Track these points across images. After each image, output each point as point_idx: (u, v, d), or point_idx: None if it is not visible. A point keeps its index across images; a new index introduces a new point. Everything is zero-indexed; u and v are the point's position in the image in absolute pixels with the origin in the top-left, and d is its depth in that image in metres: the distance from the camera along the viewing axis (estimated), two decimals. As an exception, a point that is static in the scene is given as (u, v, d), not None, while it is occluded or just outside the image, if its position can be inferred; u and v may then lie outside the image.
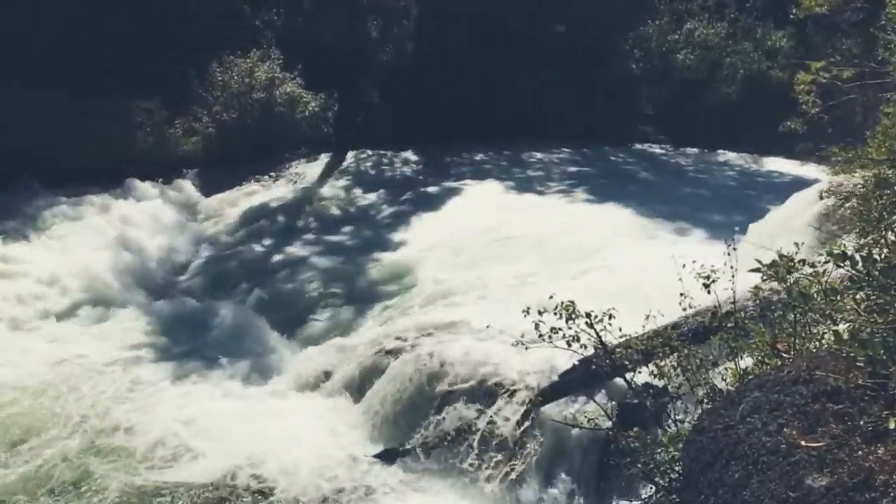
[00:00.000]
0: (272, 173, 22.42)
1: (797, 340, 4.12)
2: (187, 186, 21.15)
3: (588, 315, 5.24)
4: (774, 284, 4.20)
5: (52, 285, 14.82)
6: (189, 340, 13.19)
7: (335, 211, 19.61)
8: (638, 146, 26.31)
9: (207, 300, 14.77)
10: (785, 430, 2.82)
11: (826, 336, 4.01)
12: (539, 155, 24.34)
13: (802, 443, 2.70)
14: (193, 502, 9.20)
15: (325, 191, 21.05)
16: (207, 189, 21.23)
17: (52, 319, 13.94)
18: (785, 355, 3.98)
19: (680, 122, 26.67)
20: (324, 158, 23.68)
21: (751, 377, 3.79)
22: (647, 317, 5.63)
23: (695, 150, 25.79)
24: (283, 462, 9.72)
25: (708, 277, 4.85)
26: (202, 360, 12.47)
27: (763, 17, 29.39)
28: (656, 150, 26.24)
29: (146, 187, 20.28)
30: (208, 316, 13.93)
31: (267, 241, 17.61)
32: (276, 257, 16.67)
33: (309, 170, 22.84)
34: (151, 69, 21.91)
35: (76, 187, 19.26)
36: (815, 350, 3.88)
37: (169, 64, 22.42)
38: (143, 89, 22.06)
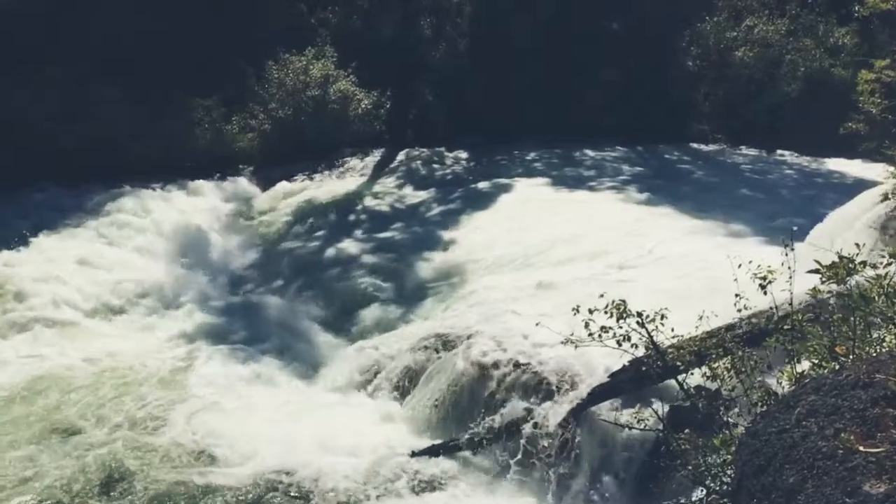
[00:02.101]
0: (325, 170, 22.72)
1: (857, 344, 4.01)
2: (243, 182, 21.59)
3: (639, 314, 5.18)
4: (834, 286, 4.10)
5: (106, 279, 15.08)
6: (238, 335, 13.36)
7: (386, 208, 19.76)
8: (693, 145, 25.87)
9: (259, 295, 15.00)
10: (842, 434, 2.75)
11: (887, 339, 3.91)
12: (591, 153, 24.13)
13: (860, 448, 2.63)
14: (227, 503, 9.06)
15: (377, 188, 21.23)
16: (262, 185, 21.63)
17: (105, 313, 14.15)
18: (843, 359, 3.88)
19: (737, 120, 26.14)
20: (376, 155, 23.88)
21: (807, 380, 3.71)
22: (701, 317, 5.54)
23: (752, 149, 25.24)
24: (328, 458, 9.75)
25: (764, 278, 4.75)
26: (250, 354, 12.58)
27: (825, 13, 28.60)
28: (712, 148, 25.76)
29: (203, 183, 20.75)
30: (259, 311, 14.15)
31: (318, 237, 17.84)
32: (327, 253, 16.87)
33: (361, 166, 23.06)
34: (210, 67, 22.42)
35: (135, 182, 19.81)
36: (875, 354, 3.77)
37: (227, 62, 22.89)
38: (202, 87, 22.60)
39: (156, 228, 17.70)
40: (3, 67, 20.27)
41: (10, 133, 19.78)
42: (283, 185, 21.46)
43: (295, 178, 21.97)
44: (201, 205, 19.46)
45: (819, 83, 26.17)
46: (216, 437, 10.25)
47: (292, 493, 9.23)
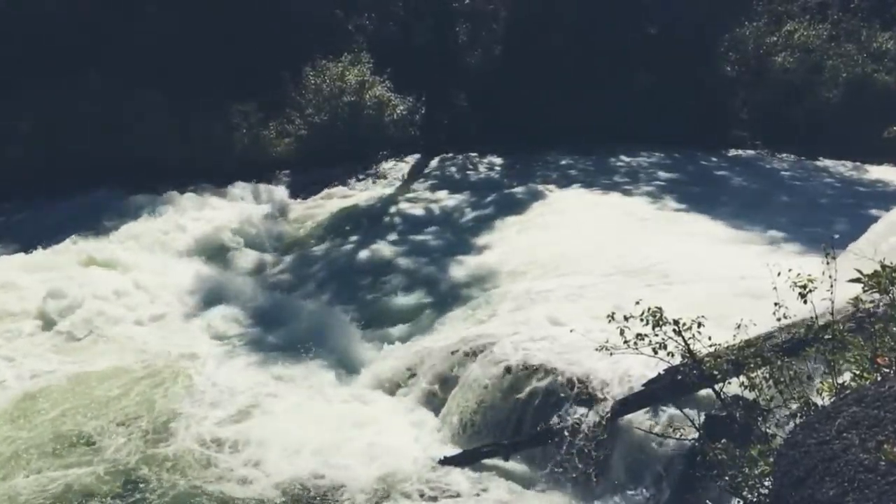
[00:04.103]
0: (360, 175, 22.85)
1: (900, 355, 3.94)
2: (279, 187, 21.80)
3: (676, 322, 5.13)
4: (876, 296, 4.03)
5: (139, 284, 15.16)
6: (270, 339, 13.35)
7: (420, 213, 19.80)
8: (732, 151, 25.54)
9: (292, 298, 15.04)
10: (884, 447, 2.70)
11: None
12: (627, 159, 23.95)
13: (904, 461, 2.58)
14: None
15: (411, 193, 21.29)
16: (298, 189, 21.82)
17: (136, 317, 14.11)
18: (886, 370, 3.81)
19: (777, 126, 25.75)
20: (410, 161, 23.97)
21: (848, 392, 3.64)
22: (739, 326, 5.48)
23: (792, 156, 24.84)
24: (355, 465, 9.72)
25: (805, 287, 4.67)
26: (281, 359, 12.54)
27: (868, 18, 28.10)
28: (751, 155, 25.41)
29: (240, 187, 21.00)
30: (291, 314, 14.15)
31: (353, 242, 17.92)
32: (361, 257, 16.94)
33: (396, 172, 23.17)
34: (249, 73, 22.73)
35: (173, 186, 20.11)
36: (919, 366, 3.70)
37: (265, 68, 23.19)
38: (241, 92, 22.91)
39: (191, 232, 17.90)
40: (46, 71, 20.76)
41: (51, 137, 20.26)
42: (318, 190, 21.63)
43: (330, 182, 22.13)
44: (237, 209, 19.68)
45: (861, 89, 25.70)
46: (239, 443, 10.18)
47: (315, 502, 9.15)
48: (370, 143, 23.62)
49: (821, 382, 4.48)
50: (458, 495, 9.26)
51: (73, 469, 9.48)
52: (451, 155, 24.58)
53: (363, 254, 17.08)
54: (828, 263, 4.75)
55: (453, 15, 27.72)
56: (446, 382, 11.09)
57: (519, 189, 20.53)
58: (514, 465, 9.66)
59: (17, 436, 10.31)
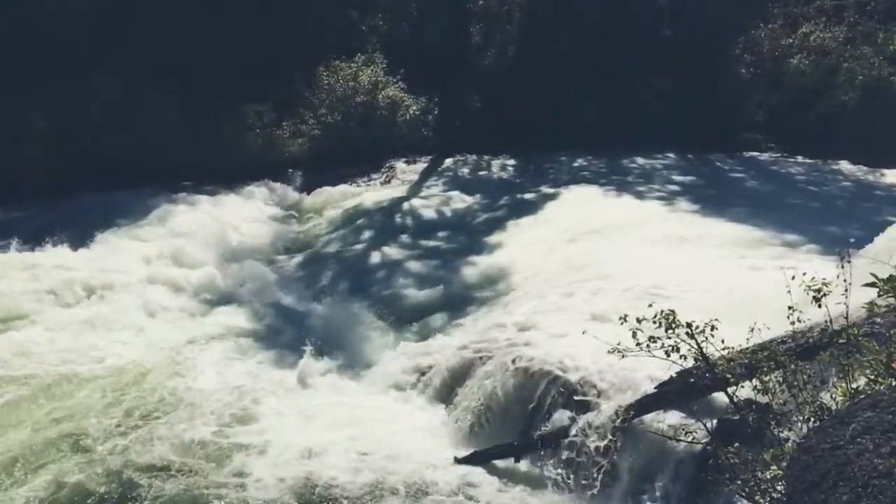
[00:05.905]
0: (373, 175, 22.92)
1: (915, 360, 3.91)
2: (292, 186, 21.89)
3: (689, 325, 5.10)
4: (892, 300, 4.01)
5: (152, 282, 15.20)
6: (280, 338, 13.35)
7: (432, 214, 19.81)
8: (746, 154, 25.43)
9: (303, 298, 15.05)
10: (900, 453, 2.68)
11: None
12: (640, 161, 23.88)
13: (919, 467, 2.56)
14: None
15: (423, 193, 21.31)
16: (310, 189, 21.91)
17: (145, 316, 14.04)
18: (901, 375, 3.78)
19: (792, 129, 25.61)
20: (423, 161, 24.00)
21: (863, 396, 3.62)
22: (752, 329, 5.44)
23: (807, 159, 24.68)
24: (366, 465, 9.68)
25: (819, 291, 4.64)
26: (290, 358, 12.50)
27: (885, 20, 27.91)
28: (765, 158, 25.27)
29: (253, 186, 21.08)
30: (302, 314, 14.18)
31: (364, 242, 17.96)
32: (373, 258, 16.97)
33: (408, 172, 23.20)
34: (263, 73, 22.84)
35: (188, 186, 20.25)
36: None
37: (279, 68, 23.30)
38: (255, 92, 23.02)
39: (203, 231, 17.93)
40: (60, 72, 20.90)
41: (65, 137, 20.39)
42: (331, 190, 21.68)
43: (343, 182, 22.19)
44: (251, 208, 19.76)
45: (878, 92, 25.52)
46: (243, 445, 10.10)
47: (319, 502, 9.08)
48: (383, 144, 23.68)
49: (834, 387, 4.45)
50: (468, 496, 9.25)
51: (60, 476, 9.26)
52: (463, 156, 24.60)
53: (374, 254, 17.11)
54: (842, 268, 4.72)
55: (467, 16, 27.75)
56: (457, 383, 11.08)
57: (531, 191, 20.52)
58: (523, 467, 9.65)
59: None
